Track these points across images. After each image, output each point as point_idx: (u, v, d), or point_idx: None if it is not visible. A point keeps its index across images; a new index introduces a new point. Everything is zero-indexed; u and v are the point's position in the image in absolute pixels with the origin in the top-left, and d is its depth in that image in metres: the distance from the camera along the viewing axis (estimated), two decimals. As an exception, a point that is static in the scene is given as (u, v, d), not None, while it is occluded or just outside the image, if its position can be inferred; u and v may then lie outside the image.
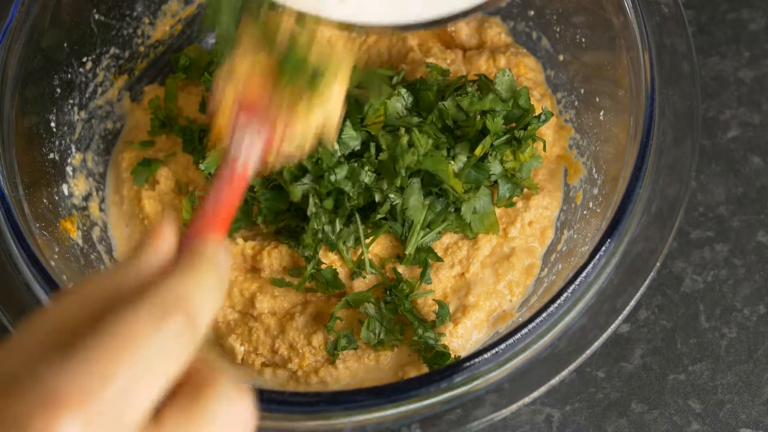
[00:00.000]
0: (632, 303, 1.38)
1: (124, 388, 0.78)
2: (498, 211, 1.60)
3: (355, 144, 1.54)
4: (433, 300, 1.54)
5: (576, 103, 1.70)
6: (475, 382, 1.31)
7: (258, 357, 1.55)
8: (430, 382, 1.29)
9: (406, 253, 1.55)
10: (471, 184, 1.56)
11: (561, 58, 1.73)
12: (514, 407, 1.35)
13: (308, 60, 1.19)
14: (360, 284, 1.55)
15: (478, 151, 1.55)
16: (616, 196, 1.44)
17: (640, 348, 1.65)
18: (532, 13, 1.77)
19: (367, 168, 1.52)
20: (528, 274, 1.60)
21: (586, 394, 1.62)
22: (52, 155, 1.63)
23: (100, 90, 1.75)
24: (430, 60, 1.70)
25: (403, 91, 1.60)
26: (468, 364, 1.30)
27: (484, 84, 1.60)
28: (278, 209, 1.58)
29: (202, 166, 1.56)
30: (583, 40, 1.68)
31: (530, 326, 1.32)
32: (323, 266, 1.55)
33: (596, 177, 1.59)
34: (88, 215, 1.67)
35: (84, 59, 1.70)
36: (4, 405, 0.77)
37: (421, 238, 1.56)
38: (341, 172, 1.51)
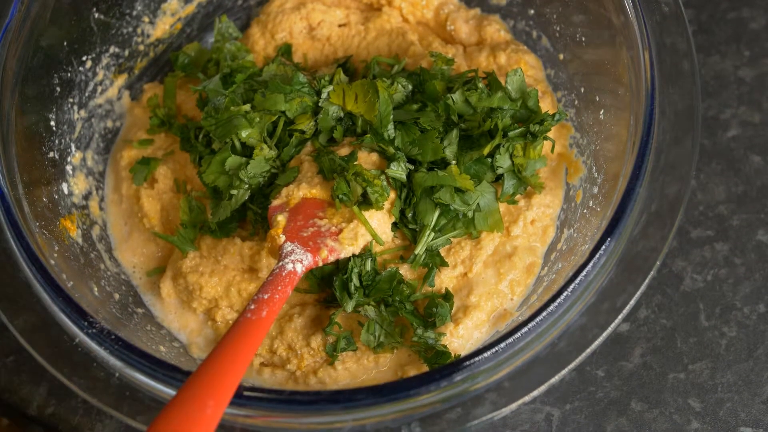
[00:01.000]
0: (632, 302, 1.38)
1: None
2: (501, 209, 1.60)
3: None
4: (435, 299, 1.54)
5: (576, 101, 1.70)
6: (475, 381, 1.31)
7: (257, 357, 1.55)
8: (429, 381, 1.28)
9: (416, 253, 1.55)
10: (472, 178, 1.56)
11: (561, 56, 1.73)
12: (514, 406, 1.35)
13: (356, 190, 1.48)
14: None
15: (486, 150, 1.55)
16: (616, 194, 1.43)
17: (640, 347, 1.65)
18: (532, 12, 1.77)
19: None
20: (529, 273, 1.60)
21: (586, 392, 1.62)
22: (51, 154, 1.63)
23: (99, 89, 1.75)
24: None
25: (402, 80, 1.60)
26: (468, 363, 1.29)
27: (495, 81, 1.60)
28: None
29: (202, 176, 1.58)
30: (583, 39, 1.68)
31: (530, 325, 1.32)
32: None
33: (596, 176, 1.59)
34: (88, 214, 1.67)
35: (84, 58, 1.70)
36: None
37: (431, 240, 1.56)
38: None
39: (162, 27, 1.82)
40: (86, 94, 1.72)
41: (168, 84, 1.77)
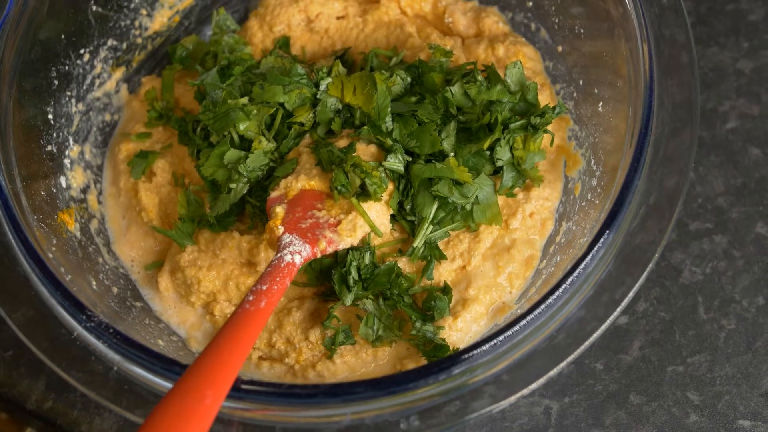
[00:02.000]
0: (631, 294, 1.38)
1: None
2: (500, 202, 1.60)
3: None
4: (434, 292, 1.54)
5: (575, 94, 1.70)
6: (474, 374, 1.30)
7: (255, 351, 1.55)
8: (428, 374, 1.28)
9: (414, 246, 1.55)
10: (470, 170, 1.56)
11: (560, 49, 1.73)
12: (512, 399, 1.34)
13: (354, 182, 1.48)
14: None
15: (486, 144, 1.54)
16: (615, 187, 1.43)
17: (638, 340, 1.65)
18: (530, 3, 1.76)
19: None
20: (528, 265, 1.60)
21: (584, 385, 1.62)
22: (50, 147, 1.63)
23: (97, 82, 1.74)
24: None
25: (401, 72, 1.60)
26: (466, 356, 1.29)
27: (494, 74, 1.60)
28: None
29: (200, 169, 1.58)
30: (582, 31, 1.67)
31: (529, 318, 1.32)
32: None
33: (595, 168, 1.59)
34: (86, 207, 1.67)
35: (82, 51, 1.69)
36: None
37: (430, 233, 1.56)
38: None
39: (160, 20, 1.82)
40: (84, 88, 1.72)
41: (166, 77, 1.77)
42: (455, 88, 1.57)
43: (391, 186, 1.52)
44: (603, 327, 1.36)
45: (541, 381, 1.35)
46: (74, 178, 1.67)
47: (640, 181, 1.41)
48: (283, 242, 1.43)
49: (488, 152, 1.56)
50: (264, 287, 1.32)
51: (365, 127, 1.55)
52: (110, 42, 1.75)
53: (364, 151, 1.53)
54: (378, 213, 1.51)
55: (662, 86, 1.49)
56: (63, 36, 1.65)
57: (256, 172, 1.56)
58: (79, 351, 1.36)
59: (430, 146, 1.53)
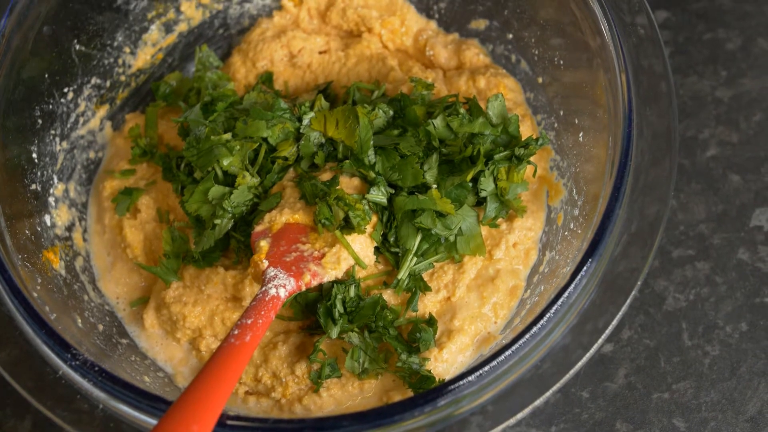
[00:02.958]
0: (614, 322, 1.38)
1: None
2: (483, 233, 1.61)
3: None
4: (419, 324, 1.54)
5: (556, 124, 1.71)
6: (460, 405, 1.31)
7: (241, 385, 1.55)
8: (414, 406, 1.29)
9: (398, 278, 1.55)
10: (453, 202, 1.57)
11: (540, 80, 1.75)
12: (498, 429, 1.35)
13: (338, 214, 1.49)
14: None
15: (470, 176, 1.56)
16: (596, 216, 1.44)
17: (623, 367, 1.66)
18: (510, 36, 1.78)
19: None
20: (512, 295, 1.60)
21: (571, 414, 1.62)
22: (34, 186, 1.63)
23: (81, 120, 1.75)
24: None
25: (383, 105, 1.61)
26: (452, 387, 1.30)
27: (476, 107, 1.61)
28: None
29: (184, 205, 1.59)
30: (562, 62, 1.69)
31: (514, 348, 1.33)
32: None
33: (576, 198, 1.60)
34: (71, 245, 1.67)
35: (65, 89, 1.70)
36: None
37: (414, 265, 1.56)
38: None
39: (143, 57, 1.83)
40: (68, 126, 1.72)
41: (150, 114, 1.78)
42: (437, 121, 1.58)
43: (374, 218, 1.53)
44: (588, 355, 1.37)
45: (527, 410, 1.35)
46: (59, 216, 1.67)
47: (622, 210, 1.43)
48: (267, 276, 1.44)
49: (470, 184, 1.57)
50: (249, 321, 1.32)
51: (348, 161, 1.56)
52: (94, 80, 1.76)
53: (348, 184, 1.54)
54: (362, 245, 1.51)
55: (641, 115, 1.51)
56: (46, 75, 1.66)
57: (240, 207, 1.57)
58: (65, 390, 1.35)
59: (413, 179, 1.54)
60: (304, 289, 1.45)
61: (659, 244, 1.44)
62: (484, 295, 1.58)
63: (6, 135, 1.57)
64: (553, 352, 1.37)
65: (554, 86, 1.73)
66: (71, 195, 1.71)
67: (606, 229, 1.40)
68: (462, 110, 1.60)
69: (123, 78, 1.81)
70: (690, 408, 1.63)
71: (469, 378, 1.30)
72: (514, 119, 1.60)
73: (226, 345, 1.27)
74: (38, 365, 1.37)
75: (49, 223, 1.64)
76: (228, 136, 1.58)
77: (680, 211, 1.78)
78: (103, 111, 1.79)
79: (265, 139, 1.59)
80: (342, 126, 1.58)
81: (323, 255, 1.48)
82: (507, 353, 1.32)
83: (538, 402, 1.35)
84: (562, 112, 1.70)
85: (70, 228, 1.68)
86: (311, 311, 1.56)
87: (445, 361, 1.53)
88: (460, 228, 1.56)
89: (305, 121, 1.61)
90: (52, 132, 1.69)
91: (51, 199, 1.67)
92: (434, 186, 1.55)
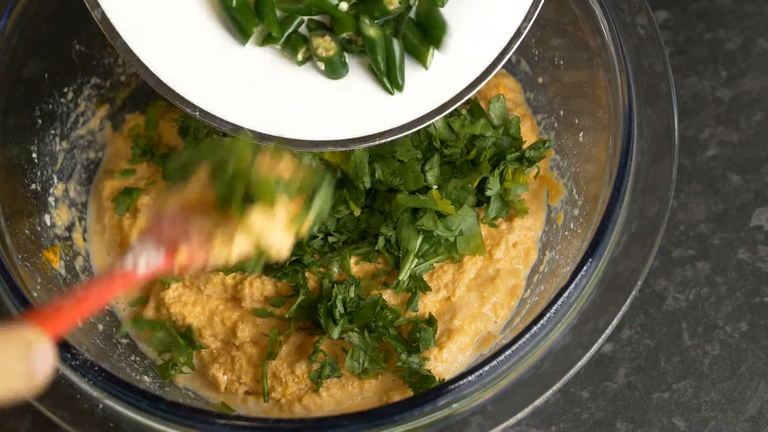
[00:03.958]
0: (615, 322, 1.38)
1: None
2: (483, 233, 1.61)
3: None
4: (419, 324, 1.54)
5: (556, 124, 1.71)
6: (459, 405, 1.31)
7: (241, 386, 1.55)
8: (414, 406, 1.29)
9: (399, 279, 1.55)
10: (454, 203, 1.57)
11: (540, 80, 1.75)
12: (499, 429, 1.35)
13: (237, 188, 1.26)
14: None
15: (476, 182, 1.56)
16: (597, 216, 1.44)
17: (624, 367, 1.66)
18: (510, 36, 1.78)
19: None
20: (512, 295, 1.60)
21: (571, 414, 1.62)
22: (33, 186, 1.63)
23: (81, 120, 1.75)
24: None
25: None
26: (452, 386, 1.30)
27: (477, 108, 1.61)
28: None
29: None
30: (562, 62, 1.69)
31: (514, 347, 1.33)
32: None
33: (576, 198, 1.60)
34: (71, 245, 1.67)
35: (65, 89, 1.70)
36: None
37: (415, 266, 1.56)
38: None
39: (143, 57, 1.83)
40: (68, 126, 1.72)
41: (150, 114, 1.78)
42: (438, 122, 1.58)
43: (296, 207, 1.32)
44: (588, 355, 1.37)
45: (528, 410, 1.35)
46: (59, 216, 1.67)
47: (622, 210, 1.43)
48: (133, 250, 1.26)
49: (469, 184, 1.58)
50: (86, 293, 1.20)
51: None
52: (94, 80, 1.76)
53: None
54: (272, 231, 1.29)
55: (641, 115, 1.51)
56: (46, 75, 1.66)
57: (240, 207, 1.56)
58: (65, 389, 1.35)
59: (414, 183, 1.54)
60: (177, 271, 1.27)
61: (659, 243, 1.44)
62: (484, 295, 1.58)
63: (6, 135, 1.57)
64: (553, 352, 1.37)
65: (554, 86, 1.73)
66: (71, 195, 1.71)
67: (606, 228, 1.40)
68: (464, 111, 1.60)
69: (123, 78, 1.81)
70: (690, 408, 1.62)
71: (469, 378, 1.30)
72: (515, 121, 1.60)
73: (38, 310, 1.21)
74: (38, 365, 1.37)
75: (49, 223, 1.64)
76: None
77: (680, 211, 1.78)
78: (103, 111, 1.79)
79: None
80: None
81: (212, 236, 1.27)
82: (507, 353, 1.32)
83: (538, 402, 1.35)
84: (562, 112, 1.70)
85: (70, 228, 1.68)
86: (311, 312, 1.56)
87: (445, 361, 1.53)
88: (460, 229, 1.57)
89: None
90: (52, 132, 1.69)
91: (51, 199, 1.67)
92: (435, 186, 1.55)
